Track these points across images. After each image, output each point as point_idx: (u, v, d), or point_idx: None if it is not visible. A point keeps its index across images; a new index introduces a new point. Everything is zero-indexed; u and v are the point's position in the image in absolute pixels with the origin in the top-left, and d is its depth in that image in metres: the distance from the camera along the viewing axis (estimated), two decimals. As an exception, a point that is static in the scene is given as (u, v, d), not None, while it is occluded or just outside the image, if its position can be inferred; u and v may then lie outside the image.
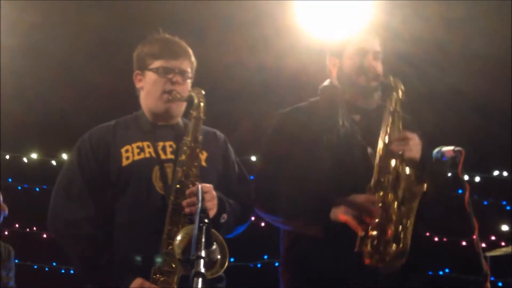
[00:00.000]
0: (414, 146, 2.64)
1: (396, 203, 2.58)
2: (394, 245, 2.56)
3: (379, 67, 2.84)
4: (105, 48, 5.47)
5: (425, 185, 2.57)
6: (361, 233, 2.56)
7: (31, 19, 5.21)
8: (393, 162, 2.62)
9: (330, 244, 2.63)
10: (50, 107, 6.14)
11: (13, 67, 5.53)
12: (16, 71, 5.59)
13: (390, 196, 2.59)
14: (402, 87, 2.72)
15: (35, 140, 6.97)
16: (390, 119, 2.69)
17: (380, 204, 2.57)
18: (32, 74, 5.77)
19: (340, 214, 2.57)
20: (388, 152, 2.64)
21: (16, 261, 5.28)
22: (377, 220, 2.55)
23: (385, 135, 2.67)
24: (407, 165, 2.61)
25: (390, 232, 2.56)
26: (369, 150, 2.74)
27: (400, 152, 2.61)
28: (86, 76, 5.90)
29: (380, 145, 2.66)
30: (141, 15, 4.93)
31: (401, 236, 2.56)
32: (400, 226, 2.56)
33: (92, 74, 5.83)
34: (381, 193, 2.59)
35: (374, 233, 2.56)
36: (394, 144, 2.63)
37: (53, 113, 6.21)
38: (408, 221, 2.57)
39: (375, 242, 2.56)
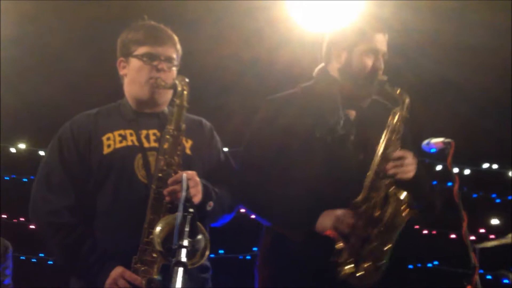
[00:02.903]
0: (408, 166, 2.58)
1: (377, 222, 2.54)
2: (369, 263, 2.52)
3: (382, 66, 2.75)
4: (98, 39, 5.43)
5: (406, 219, 2.52)
6: (339, 246, 2.53)
7: (23, 9, 5.18)
8: (384, 182, 2.57)
9: (312, 245, 2.60)
10: (40, 97, 6.12)
11: (4, 57, 5.50)
12: (7, 61, 5.56)
13: (375, 212, 2.55)
14: (408, 102, 2.62)
15: (24, 130, 6.94)
16: (388, 136, 2.61)
17: (362, 219, 2.53)
18: (22, 64, 5.74)
19: (328, 229, 2.55)
20: (381, 171, 2.58)
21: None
22: (356, 234, 2.52)
23: (381, 152, 2.60)
24: (401, 188, 2.55)
25: (366, 248, 2.53)
26: (361, 157, 2.69)
27: (392, 174, 2.56)
28: (78, 67, 5.87)
29: (376, 161, 2.60)
30: (134, 7, 4.89)
31: (378, 254, 2.53)
32: (378, 246, 2.53)
33: (84, 65, 5.80)
34: (365, 208, 2.55)
35: (351, 247, 2.53)
36: (389, 165, 2.57)
37: (43, 103, 6.19)
38: (387, 247, 2.53)
39: (351, 257, 2.53)
